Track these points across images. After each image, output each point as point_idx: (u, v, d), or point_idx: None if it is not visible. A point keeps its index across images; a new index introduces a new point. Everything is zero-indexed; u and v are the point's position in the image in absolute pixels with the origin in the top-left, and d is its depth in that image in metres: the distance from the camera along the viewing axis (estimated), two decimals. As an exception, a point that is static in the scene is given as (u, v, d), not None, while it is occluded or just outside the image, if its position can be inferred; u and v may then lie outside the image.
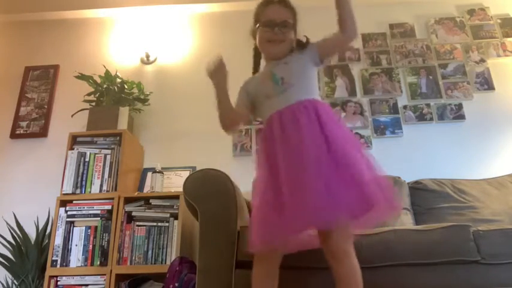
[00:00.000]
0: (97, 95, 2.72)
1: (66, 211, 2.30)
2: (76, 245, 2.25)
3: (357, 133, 2.75)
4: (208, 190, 1.60)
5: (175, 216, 2.26)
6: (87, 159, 2.44)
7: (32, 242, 2.40)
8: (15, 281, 2.33)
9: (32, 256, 2.33)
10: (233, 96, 1.51)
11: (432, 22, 3.09)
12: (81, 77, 2.70)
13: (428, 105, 2.82)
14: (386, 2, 3.16)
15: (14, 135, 2.89)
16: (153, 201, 2.31)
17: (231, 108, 1.49)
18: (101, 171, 2.41)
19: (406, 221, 2.19)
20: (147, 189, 2.55)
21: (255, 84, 1.51)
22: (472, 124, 2.74)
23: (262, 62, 1.59)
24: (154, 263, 2.19)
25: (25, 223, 2.47)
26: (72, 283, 2.18)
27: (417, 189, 2.38)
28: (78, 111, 2.68)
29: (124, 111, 2.63)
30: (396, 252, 1.52)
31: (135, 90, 2.81)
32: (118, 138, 2.49)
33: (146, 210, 2.29)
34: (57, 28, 3.24)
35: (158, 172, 2.47)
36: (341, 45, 1.57)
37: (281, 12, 1.47)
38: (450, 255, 1.51)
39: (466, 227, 1.58)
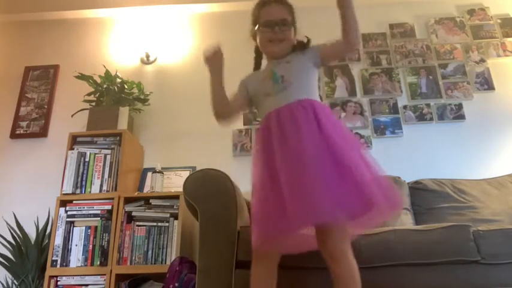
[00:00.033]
0: (97, 95, 2.72)
1: (66, 211, 2.30)
2: (76, 245, 2.25)
3: (357, 133, 2.75)
4: (208, 190, 1.60)
5: (175, 216, 2.26)
6: (87, 159, 2.44)
7: (32, 242, 2.40)
8: (15, 281, 2.33)
9: (32, 256, 2.33)
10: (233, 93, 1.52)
11: (432, 22, 3.09)
12: (81, 77, 2.70)
13: (428, 105, 2.82)
14: (386, 2, 3.16)
15: (14, 135, 2.89)
16: (153, 201, 2.31)
17: (223, 96, 1.50)
18: (101, 171, 2.41)
19: (406, 221, 2.19)
20: (147, 189, 2.55)
21: (256, 82, 1.51)
22: (472, 124, 2.74)
23: (263, 62, 1.59)
24: (154, 263, 2.19)
25: (25, 223, 2.47)
26: (72, 283, 2.18)
27: (417, 189, 2.38)
28: (78, 111, 2.68)
29: (124, 111, 2.63)
30: (396, 252, 1.52)
31: (135, 90, 2.81)
32: (118, 138, 2.49)
33: (146, 210, 2.29)
34: (57, 28, 3.24)
35: (158, 172, 2.47)
36: (343, 52, 1.63)
37: (278, 10, 1.48)
38: (450, 255, 1.51)
39: (466, 227, 1.58)
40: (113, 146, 2.47)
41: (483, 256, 1.52)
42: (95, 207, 2.30)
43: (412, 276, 1.52)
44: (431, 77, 2.91)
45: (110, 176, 2.40)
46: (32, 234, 2.44)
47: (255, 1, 1.54)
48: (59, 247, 2.24)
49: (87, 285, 2.17)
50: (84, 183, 2.39)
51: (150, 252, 2.21)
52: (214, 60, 1.48)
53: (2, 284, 2.34)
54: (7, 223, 2.43)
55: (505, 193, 2.32)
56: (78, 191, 2.37)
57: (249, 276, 1.34)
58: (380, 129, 2.77)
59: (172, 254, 2.17)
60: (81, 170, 2.41)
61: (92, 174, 2.40)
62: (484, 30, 3.04)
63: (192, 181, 1.64)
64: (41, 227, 2.47)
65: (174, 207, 2.27)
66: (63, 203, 2.32)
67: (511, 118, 2.74)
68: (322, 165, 1.23)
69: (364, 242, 1.51)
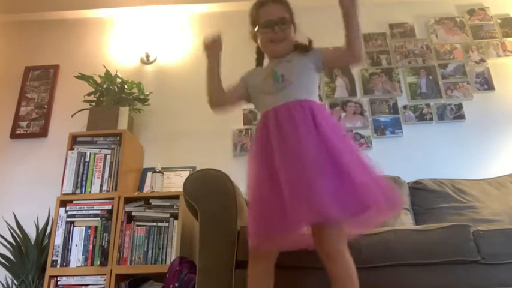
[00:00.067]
0: (97, 95, 2.72)
1: (66, 211, 2.30)
2: (76, 245, 2.25)
3: (357, 133, 2.75)
4: (208, 190, 1.60)
5: (175, 216, 2.26)
6: (87, 159, 2.44)
7: (32, 242, 2.40)
8: (15, 281, 2.33)
9: (32, 256, 2.33)
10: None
11: (432, 22, 3.09)
12: (81, 77, 2.70)
13: (428, 105, 2.82)
14: (386, 2, 3.16)
15: (14, 135, 2.89)
16: (153, 201, 2.31)
17: (219, 85, 1.52)
18: (101, 171, 2.41)
19: (406, 221, 2.19)
20: (147, 189, 2.55)
21: (256, 79, 1.52)
22: (472, 124, 2.74)
23: (265, 62, 1.60)
24: (154, 263, 2.19)
25: (25, 223, 2.47)
26: (72, 283, 2.17)
27: (417, 189, 2.38)
28: (78, 111, 2.68)
29: (124, 111, 2.63)
30: (396, 252, 1.52)
31: (135, 90, 2.81)
32: (118, 138, 2.49)
33: (146, 210, 2.29)
34: (57, 28, 3.24)
35: (158, 172, 2.47)
36: (346, 63, 1.67)
37: (276, 10, 1.48)
38: (450, 255, 1.51)
39: (466, 227, 1.58)
40: (113, 146, 2.47)
41: (483, 256, 1.51)
42: (95, 207, 2.30)
43: (412, 276, 1.52)
44: (431, 77, 2.91)
45: (110, 176, 2.40)
46: (32, 234, 2.44)
47: (254, 1, 1.54)
48: (59, 247, 2.24)
49: (87, 285, 2.17)
50: (84, 183, 2.39)
51: (150, 252, 2.21)
52: (213, 47, 1.51)
53: (2, 284, 2.34)
54: (7, 223, 2.43)
55: (505, 193, 2.32)
56: (78, 191, 2.37)
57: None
58: (380, 129, 2.77)
59: (172, 254, 2.17)
60: (81, 170, 2.41)
61: (92, 174, 2.40)
62: (484, 30, 3.04)
63: (192, 181, 1.64)
64: (41, 227, 2.47)
65: (174, 207, 2.27)
66: (63, 203, 2.32)
67: (511, 118, 2.74)
68: (321, 166, 1.23)
69: (364, 242, 1.51)
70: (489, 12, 3.09)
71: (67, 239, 2.26)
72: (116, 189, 2.36)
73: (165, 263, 2.16)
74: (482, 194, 2.32)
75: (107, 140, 2.50)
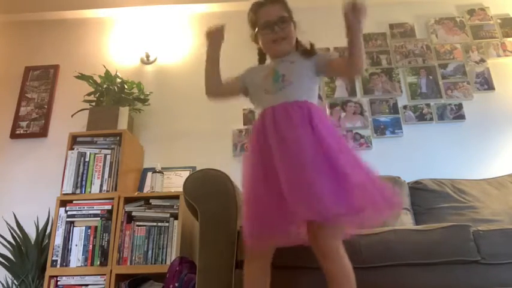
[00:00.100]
0: (97, 95, 2.71)
1: (66, 211, 2.30)
2: (76, 245, 2.25)
3: (357, 133, 2.75)
4: (208, 190, 1.60)
5: (175, 216, 2.26)
6: (87, 159, 2.44)
7: (32, 242, 2.40)
8: (15, 281, 2.33)
9: (32, 256, 2.33)
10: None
11: (432, 22, 3.09)
12: (81, 77, 2.70)
13: (428, 105, 2.82)
14: (387, 2, 3.16)
15: (14, 135, 2.89)
16: (153, 201, 2.31)
17: (217, 73, 1.54)
18: (101, 171, 2.41)
19: (406, 221, 2.19)
20: (147, 189, 2.55)
21: (257, 77, 1.52)
22: (472, 124, 2.74)
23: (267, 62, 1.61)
24: (154, 263, 2.19)
25: (25, 223, 2.47)
26: (72, 283, 2.17)
27: (417, 189, 2.38)
28: (78, 111, 2.68)
29: (124, 111, 2.63)
30: (396, 252, 1.52)
31: (135, 90, 2.81)
32: (118, 138, 2.49)
33: (146, 210, 2.29)
34: (57, 28, 3.24)
35: (158, 172, 2.47)
36: (344, 75, 1.65)
37: (274, 10, 1.49)
38: (450, 255, 1.51)
39: (466, 227, 1.58)
40: (113, 146, 2.47)
41: (483, 256, 1.51)
42: (95, 207, 2.30)
43: (412, 276, 1.52)
44: (431, 77, 2.91)
45: (110, 176, 2.40)
46: (32, 234, 2.44)
47: (251, 4, 1.55)
48: (59, 247, 2.24)
49: (87, 285, 2.17)
50: (84, 183, 2.39)
51: (150, 252, 2.21)
52: (215, 36, 1.53)
53: (2, 284, 2.34)
54: (7, 223, 2.43)
55: (505, 193, 2.32)
56: (78, 191, 2.37)
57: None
58: (380, 129, 2.77)
59: (172, 254, 2.17)
60: (81, 170, 2.41)
61: (92, 174, 2.40)
62: (484, 30, 3.04)
63: (192, 181, 1.64)
64: (41, 227, 2.47)
65: (174, 207, 2.27)
66: (63, 203, 2.32)
67: (511, 118, 2.74)
68: (318, 166, 1.23)
69: (364, 242, 1.52)
70: (489, 12, 3.09)
71: (67, 239, 2.26)
72: (115, 189, 2.36)
73: (165, 263, 2.16)
74: (482, 194, 2.32)
75: (107, 140, 2.50)
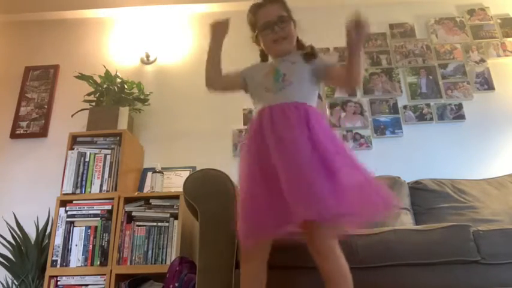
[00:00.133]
0: (97, 95, 2.71)
1: (66, 211, 2.30)
2: (76, 245, 2.25)
3: (357, 133, 2.75)
4: (208, 190, 1.60)
5: (175, 216, 2.26)
6: (87, 159, 2.44)
7: (32, 242, 2.40)
8: (15, 281, 2.33)
9: (32, 256, 2.33)
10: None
11: (432, 22, 3.09)
12: (81, 77, 2.70)
13: (428, 105, 2.82)
14: (386, 2, 3.16)
15: (14, 135, 2.89)
16: (153, 201, 2.31)
17: (218, 65, 1.54)
18: (101, 171, 2.41)
19: (406, 221, 2.18)
20: (147, 189, 2.55)
21: (257, 75, 1.52)
22: (472, 124, 2.74)
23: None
24: (154, 263, 2.19)
25: (25, 223, 2.47)
26: (72, 283, 2.17)
27: (417, 189, 2.38)
28: (78, 111, 2.68)
29: (124, 111, 2.63)
30: (396, 252, 1.52)
31: (135, 90, 2.81)
32: (118, 138, 2.49)
33: (146, 210, 2.29)
34: (57, 28, 3.24)
35: (158, 172, 2.47)
36: (340, 85, 1.85)
37: (273, 10, 1.50)
38: (450, 255, 1.51)
39: (466, 227, 1.58)
40: (113, 146, 2.47)
41: (483, 256, 1.51)
42: (95, 207, 2.30)
43: (412, 276, 1.52)
44: (431, 77, 2.91)
45: (110, 176, 2.40)
46: (32, 234, 2.44)
47: (250, 6, 1.55)
48: (59, 247, 2.24)
49: (87, 285, 2.17)
50: (84, 183, 2.39)
51: (150, 252, 2.21)
52: (218, 28, 1.54)
53: (2, 284, 2.34)
54: (7, 223, 2.43)
55: (505, 193, 2.32)
56: (78, 191, 2.37)
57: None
58: (380, 129, 2.77)
59: (172, 254, 2.17)
60: (81, 170, 2.41)
61: (92, 174, 2.40)
62: (484, 30, 3.04)
63: (192, 181, 1.64)
64: (41, 227, 2.47)
65: (174, 207, 2.27)
66: (63, 203, 2.32)
67: (511, 118, 2.75)
68: (315, 167, 1.24)
69: (363, 242, 1.52)
70: (489, 12, 3.09)
71: (67, 239, 2.26)
72: (115, 189, 2.36)
73: (165, 263, 2.16)
74: (482, 194, 2.32)
75: (107, 140, 2.50)
